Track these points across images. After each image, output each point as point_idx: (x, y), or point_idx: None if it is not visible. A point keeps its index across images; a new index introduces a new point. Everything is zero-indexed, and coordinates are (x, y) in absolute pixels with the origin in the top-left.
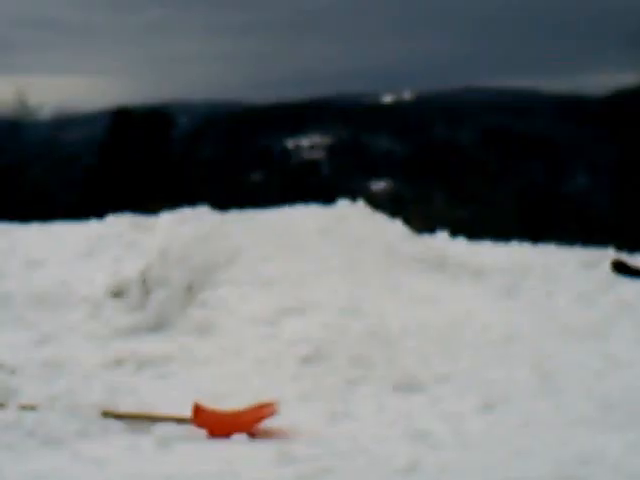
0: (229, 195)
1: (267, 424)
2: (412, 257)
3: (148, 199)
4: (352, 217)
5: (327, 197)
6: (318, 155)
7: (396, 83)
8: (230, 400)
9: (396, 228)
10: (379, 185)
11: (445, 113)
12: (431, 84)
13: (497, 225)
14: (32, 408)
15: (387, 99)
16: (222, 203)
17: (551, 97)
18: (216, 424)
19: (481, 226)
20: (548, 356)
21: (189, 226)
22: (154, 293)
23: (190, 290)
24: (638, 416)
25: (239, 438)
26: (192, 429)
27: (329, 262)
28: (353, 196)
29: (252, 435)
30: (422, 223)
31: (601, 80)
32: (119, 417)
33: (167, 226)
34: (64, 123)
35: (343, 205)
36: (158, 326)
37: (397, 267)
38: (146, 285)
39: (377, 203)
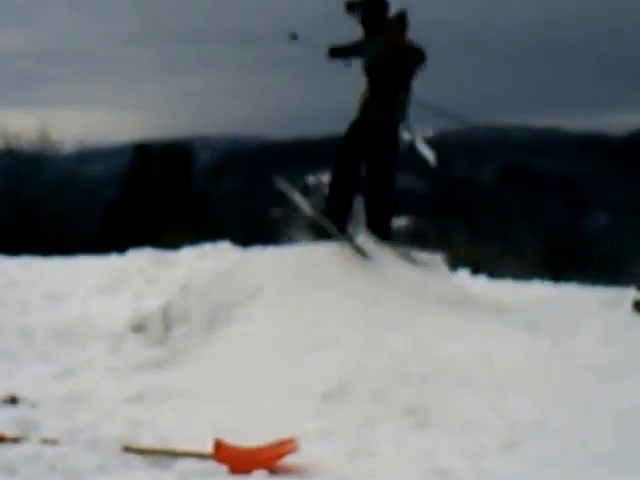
0: (249, 231)
1: (288, 460)
2: (434, 294)
3: (169, 234)
4: (373, 254)
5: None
6: None
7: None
8: (251, 435)
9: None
10: (399, 222)
11: (465, 150)
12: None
13: (518, 263)
14: (53, 442)
15: (407, 136)
16: (243, 239)
17: (572, 135)
18: (237, 460)
19: (502, 264)
20: (571, 395)
21: (210, 262)
22: (175, 328)
23: (211, 326)
24: None
25: (260, 474)
26: (213, 465)
27: (349, 298)
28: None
29: (273, 471)
30: (444, 260)
31: (622, 119)
32: (140, 452)
33: (188, 261)
34: (86, 157)
35: (361, 241)
36: (179, 361)
37: (418, 304)
38: (167, 320)
39: (397, 239)
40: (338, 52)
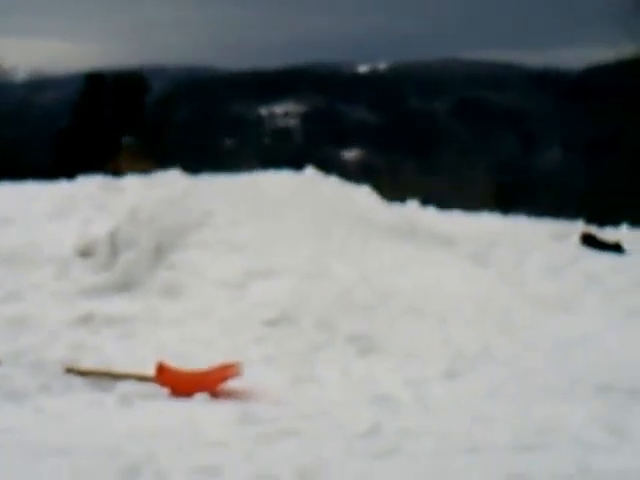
0: (201, 160)
1: (230, 385)
2: (382, 224)
3: (120, 162)
4: (323, 184)
5: (299, 164)
6: (292, 123)
7: (372, 53)
8: (194, 361)
9: (366, 196)
10: (351, 154)
11: (420, 84)
12: (408, 55)
13: (468, 197)
14: None
15: (363, 69)
16: (194, 168)
17: (526, 70)
18: (179, 383)
19: (452, 197)
20: (516, 325)
21: (160, 188)
22: (122, 254)
23: (159, 252)
24: (601, 389)
25: (202, 398)
26: (155, 387)
27: (298, 227)
28: (325, 164)
29: (215, 395)
30: (392, 192)
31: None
32: (82, 374)
33: (137, 189)
34: (40, 85)
35: (312, 173)
36: (125, 286)
37: (367, 234)
38: (114, 245)
39: (348, 172)
40: None
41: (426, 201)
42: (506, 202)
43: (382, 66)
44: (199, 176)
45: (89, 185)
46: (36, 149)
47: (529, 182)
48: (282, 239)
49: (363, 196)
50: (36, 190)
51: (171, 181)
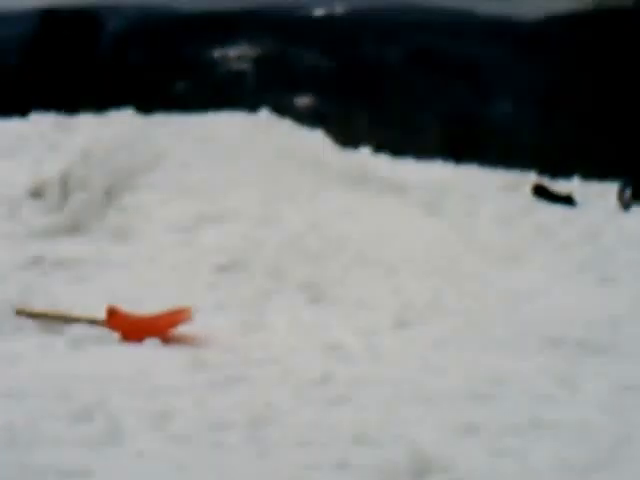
0: (154, 101)
1: (181, 330)
2: (334, 170)
3: (73, 101)
4: (275, 128)
5: (251, 109)
6: (245, 67)
7: None
8: (144, 305)
9: (318, 141)
10: (303, 100)
11: (376, 30)
12: (364, 0)
13: (420, 146)
14: None
15: (318, 12)
16: (146, 109)
17: (482, 19)
18: (129, 327)
19: (404, 146)
20: (467, 276)
21: (112, 128)
22: (73, 195)
23: (109, 194)
24: (550, 341)
25: (152, 343)
26: (105, 332)
27: (251, 171)
28: (277, 109)
29: (165, 340)
30: (345, 140)
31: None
32: (32, 316)
33: (90, 128)
34: None
35: (265, 116)
36: (75, 229)
37: (319, 180)
38: (66, 187)
39: (301, 118)
40: None
41: (378, 149)
42: (458, 152)
43: (338, 10)
44: (152, 116)
45: (42, 123)
46: None
47: (481, 133)
48: (234, 183)
49: (316, 141)
50: None
51: (124, 120)
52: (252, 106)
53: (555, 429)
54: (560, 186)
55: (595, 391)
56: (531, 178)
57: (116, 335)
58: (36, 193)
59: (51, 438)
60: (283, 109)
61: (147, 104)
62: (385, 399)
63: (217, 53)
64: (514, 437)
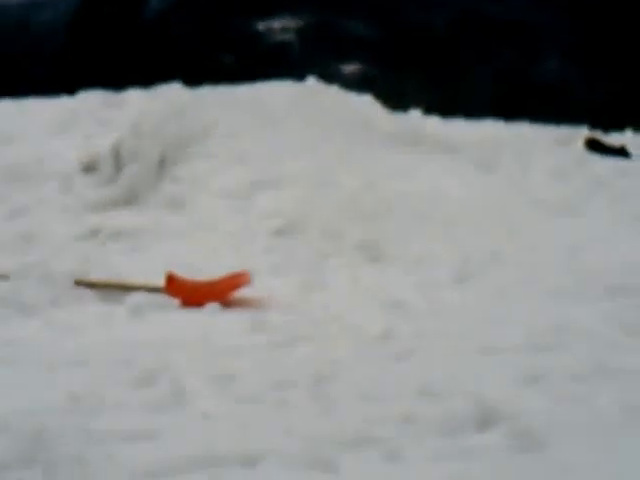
0: (200, 75)
1: (240, 294)
2: (386, 133)
3: (120, 77)
4: (323, 94)
5: (298, 78)
6: (289, 37)
7: None
8: (203, 272)
9: (368, 104)
10: (349, 68)
11: None
12: None
13: (470, 107)
14: (4, 277)
15: None
16: (193, 82)
17: None
18: (189, 293)
19: (453, 108)
20: (524, 229)
21: (162, 101)
22: (126, 167)
23: (162, 164)
24: (611, 290)
25: (212, 307)
26: (165, 298)
27: (301, 137)
28: (324, 78)
29: (225, 304)
30: (393, 104)
31: None
32: (92, 286)
33: (138, 102)
34: (35, 4)
35: (312, 83)
36: (130, 200)
37: (371, 142)
38: (118, 159)
39: (347, 84)
40: None
41: (428, 112)
42: (508, 111)
43: None
44: (200, 88)
45: (90, 100)
46: (35, 66)
47: (530, 91)
48: (285, 148)
49: (365, 105)
50: (36, 106)
51: (172, 94)
52: (298, 76)
53: (620, 375)
54: (613, 139)
55: None
56: (583, 132)
57: (176, 301)
58: (89, 167)
59: (114, 403)
60: (330, 77)
61: (194, 78)
62: (448, 353)
63: (261, 26)
64: (579, 384)
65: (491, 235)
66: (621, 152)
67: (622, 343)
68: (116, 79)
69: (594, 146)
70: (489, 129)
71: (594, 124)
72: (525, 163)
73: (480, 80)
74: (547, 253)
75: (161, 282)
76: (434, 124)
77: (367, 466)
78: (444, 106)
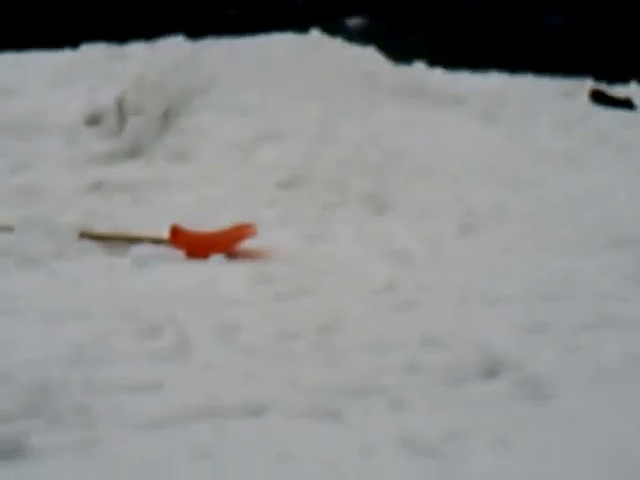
0: (203, 27)
1: (245, 245)
2: (390, 85)
3: (123, 31)
4: (326, 47)
5: (301, 31)
6: None
7: None
8: (207, 223)
9: (372, 57)
10: (353, 22)
11: None
12: None
13: (474, 60)
14: (8, 229)
15: None
16: (197, 35)
17: None
18: (194, 244)
19: (457, 61)
20: (529, 182)
21: (165, 54)
22: (130, 120)
23: (166, 117)
24: (616, 242)
25: (217, 259)
26: (169, 250)
27: (305, 89)
28: (327, 31)
29: (230, 256)
30: (397, 57)
31: None
32: (96, 238)
33: (142, 55)
34: None
35: (316, 36)
36: (135, 153)
37: (375, 95)
38: (122, 112)
39: (351, 38)
40: None
41: (432, 65)
42: (512, 64)
43: None
44: (202, 41)
45: (93, 53)
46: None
47: (534, 44)
48: (289, 101)
49: (369, 57)
50: (39, 59)
51: (175, 47)
52: (302, 29)
53: (625, 326)
54: (617, 91)
55: None
56: (588, 85)
57: (180, 253)
58: (92, 120)
59: (119, 354)
60: (334, 30)
61: (197, 30)
62: (452, 303)
63: None
64: (583, 335)
65: (496, 188)
66: (626, 104)
67: (627, 294)
68: (119, 32)
69: (599, 98)
70: (494, 82)
71: (599, 76)
72: (530, 116)
73: (483, 33)
74: (552, 206)
75: (166, 234)
76: (438, 77)
77: (371, 415)
78: (448, 58)
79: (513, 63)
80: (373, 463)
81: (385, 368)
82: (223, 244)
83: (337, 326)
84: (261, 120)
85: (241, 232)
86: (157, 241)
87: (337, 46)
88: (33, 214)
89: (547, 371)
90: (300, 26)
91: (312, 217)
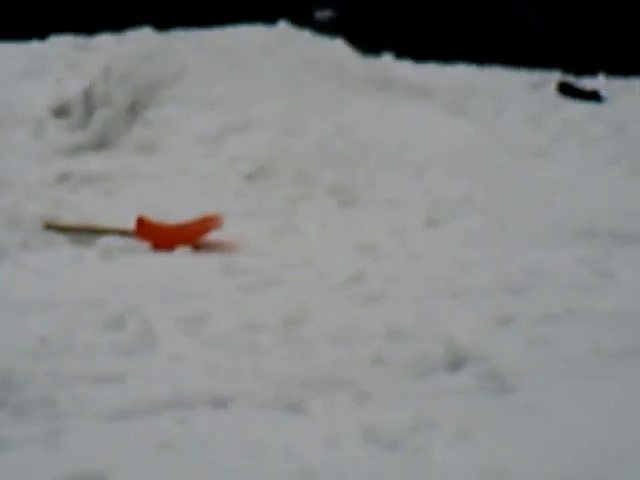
0: (171, 19)
1: (211, 237)
2: (357, 77)
3: (89, 21)
4: (295, 38)
5: (269, 23)
6: None
7: None
8: (174, 216)
9: (340, 49)
10: (322, 14)
11: None
12: None
13: (442, 52)
14: None
15: None
16: (164, 27)
17: None
18: (160, 236)
19: (426, 53)
20: (496, 174)
21: (132, 45)
22: (97, 112)
23: (133, 109)
24: (582, 234)
25: (183, 250)
26: (135, 242)
27: (272, 81)
28: (296, 23)
29: (196, 248)
30: (366, 49)
31: None
32: (62, 229)
33: (109, 47)
34: None
35: (284, 27)
36: (101, 145)
37: (342, 87)
38: (89, 104)
39: (320, 30)
40: None
41: (400, 56)
42: (480, 56)
43: None
44: (170, 32)
45: (60, 44)
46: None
47: (502, 36)
48: (257, 93)
49: (337, 49)
50: (5, 51)
51: (143, 38)
52: (271, 21)
53: (590, 317)
54: (585, 83)
55: (629, 280)
56: (556, 77)
57: (146, 245)
58: (59, 112)
59: (83, 346)
60: (302, 23)
61: (165, 22)
62: (419, 295)
63: None
64: (549, 326)
65: (463, 179)
66: (593, 96)
67: (591, 286)
68: (87, 24)
69: (566, 90)
70: (461, 73)
71: (566, 69)
72: (497, 107)
73: (452, 24)
74: (519, 198)
75: (132, 225)
76: (406, 68)
77: (336, 407)
78: (416, 50)
79: (481, 55)
80: (336, 455)
81: (350, 361)
82: (189, 236)
83: (303, 318)
84: (229, 112)
85: (207, 224)
86: (123, 233)
87: (306, 38)
88: None
89: (512, 363)
90: (269, 18)
91: (279, 209)
